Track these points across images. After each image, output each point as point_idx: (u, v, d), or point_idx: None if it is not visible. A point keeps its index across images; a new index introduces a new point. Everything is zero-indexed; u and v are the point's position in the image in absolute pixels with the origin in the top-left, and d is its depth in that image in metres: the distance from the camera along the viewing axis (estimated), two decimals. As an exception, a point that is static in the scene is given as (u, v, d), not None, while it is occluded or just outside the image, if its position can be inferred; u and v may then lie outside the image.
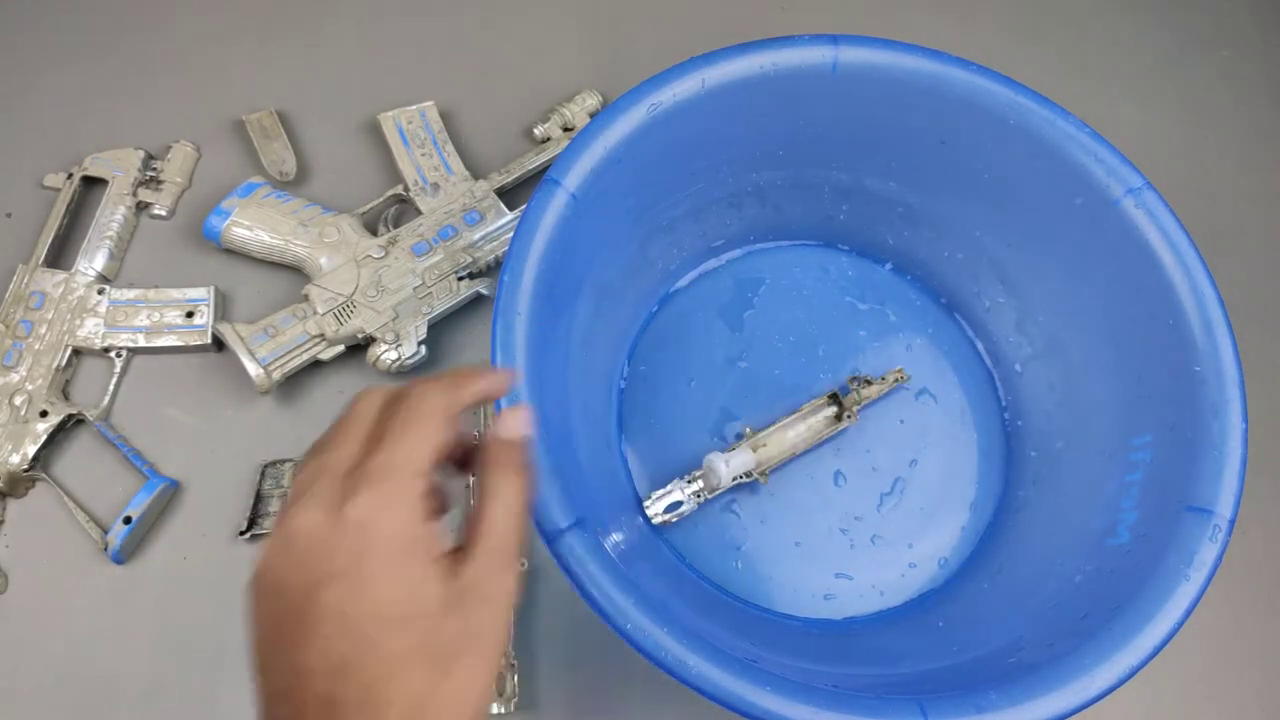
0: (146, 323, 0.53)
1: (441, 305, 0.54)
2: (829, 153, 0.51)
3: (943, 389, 0.55)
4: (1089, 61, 0.67)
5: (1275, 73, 0.67)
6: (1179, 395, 0.43)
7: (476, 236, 0.55)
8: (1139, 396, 0.46)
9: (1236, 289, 0.48)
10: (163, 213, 0.57)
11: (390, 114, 0.58)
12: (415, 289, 0.53)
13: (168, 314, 0.53)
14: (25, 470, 0.50)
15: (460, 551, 0.29)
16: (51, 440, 0.51)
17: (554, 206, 0.42)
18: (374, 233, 0.56)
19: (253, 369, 0.50)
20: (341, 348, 0.53)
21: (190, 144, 0.59)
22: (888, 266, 0.57)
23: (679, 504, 0.49)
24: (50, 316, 0.53)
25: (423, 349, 0.53)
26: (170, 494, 0.51)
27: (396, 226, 0.56)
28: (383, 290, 0.53)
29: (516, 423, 0.33)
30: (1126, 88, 0.66)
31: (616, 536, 0.45)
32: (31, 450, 0.50)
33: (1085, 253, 0.48)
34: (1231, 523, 0.40)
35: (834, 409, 0.52)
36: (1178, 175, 0.53)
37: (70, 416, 0.51)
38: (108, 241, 0.55)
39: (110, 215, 0.56)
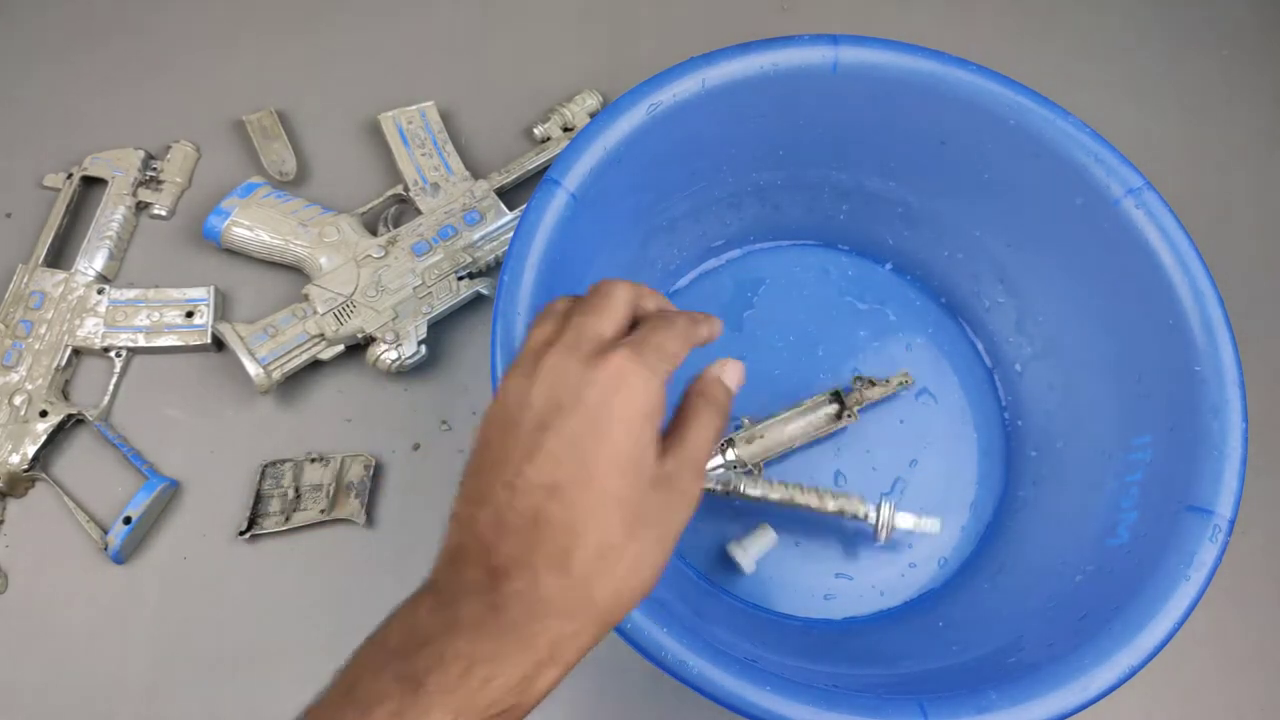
0: (146, 323, 0.53)
1: (441, 305, 0.54)
2: (829, 153, 0.51)
3: (943, 389, 0.55)
4: (1089, 61, 0.67)
5: (1275, 73, 0.67)
6: (1179, 395, 0.43)
7: (476, 236, 0.55)
8: (1139, 396, 0.46)
9: (1236, 289, 0.48)
10: (163, 213, 0.57)
11: (390, 114, 0.58)
12: (415, 289, 0.53)
13: (167, 314, 0.53)
14: (25, 470, 0.50)
15: (665, 442, 0.31)
16: (51, 440, 0.51)
17: (554, 207, 0.42)
18: (374, 233, 0.56)
19: (253, 369, 0.50)
20: (341, 347, 0.52)
21: (190, 144, 0.59)
22: (888, 266, 0.57)
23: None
24: (50, 316, 0.53)
25: (423, 349, 0.53)
26: (170, 494, 0.51)
27: (396, 226, 0.57)
28: (383, 290, 0.53)
29: (736, 375, 0.35)
30: (1126, 88, 0.66)
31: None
32: (31, 450, 0.50)
33: (1085, 253, 0.48)
34: (1231, 523, 0.40)
35: (835, 407, 0.52)
36: (1178, 175, 0.53)
37: (70, 416, 0.51)
38: (107, 241, 0.55)
39: (110, 215, 0.56)
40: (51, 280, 0.54)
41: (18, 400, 0.50)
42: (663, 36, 0.65)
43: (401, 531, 0.52)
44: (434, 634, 0.27)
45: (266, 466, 0.51)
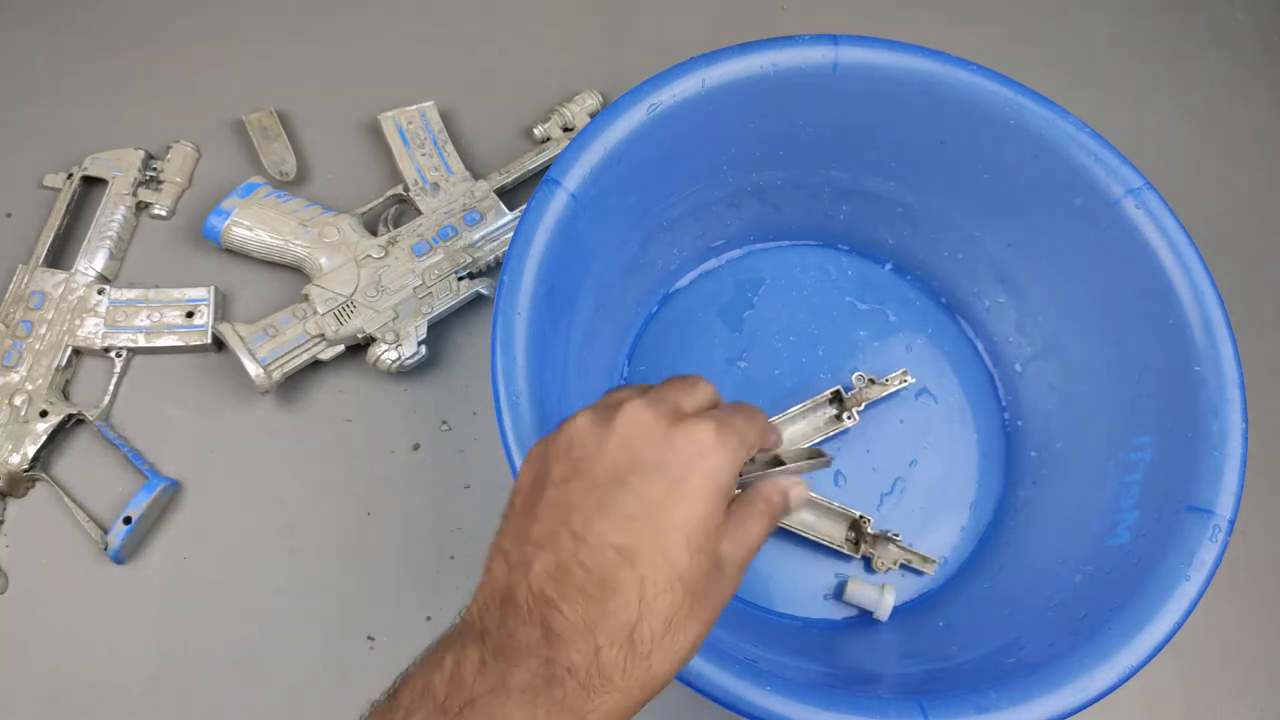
0: (146, 323, 0.53)
1: (442, 305, 0.53)
2: (829, 153, 0.51)
3: (943, 389, 0.55)
4: (1089, 61, 0.67)
5: (1275, 73, 0.67)
6: (1179, 395, 0.43)
7: (476, 236, 0.55)
8: (1139, 396, 0.46)
9: (1237, 289, 0.48)
10: (162, 213, 0.57)
11: (390, 114, 0.58)
12: (415, 289, 0.53)
13: (168, 314, 0.53)
14: (25, 470, 0.50)
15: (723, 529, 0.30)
16: (51, 440, 0.51)
17: (554, 207, 0.42)
18: (374, 233, 0.56)
19: (253, 369, 0.50)
20: (341, 348, 0.52)
21: (190, 144, 0.59)
22: (888, 266, 0.57)
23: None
24: (50, 316, 0.53)
25: (423, 349, 0.53)
26: (170, 494, 0.51)
27: (397, 226, 0.57)
28: (383, 290, 0.53)
29: (800, 497, 0.34)
30: (1126, 88, 0.66)
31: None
32: (31, 450, 0.50)
33: (1085, 253, 0.48)
34: (1231, 523, 0.40)
35: (836, 408, 0.52)
36: (1178, 175, 0.53)
37: (70, 416, 0.51)
38: (108, 241, 0.55)
39: (110, 215, 0.56)
40: (52, 280, 0.54)
41: (18, 400, 0.50)
42: (662, 36, 0.65)
43: (401, 531, 0.52)
44: (481, 694, 0.26)
45: None
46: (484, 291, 0.55)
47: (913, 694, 0.37)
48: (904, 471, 0.53)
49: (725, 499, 0.29)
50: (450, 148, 0.58)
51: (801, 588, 0.50)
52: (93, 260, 0.55)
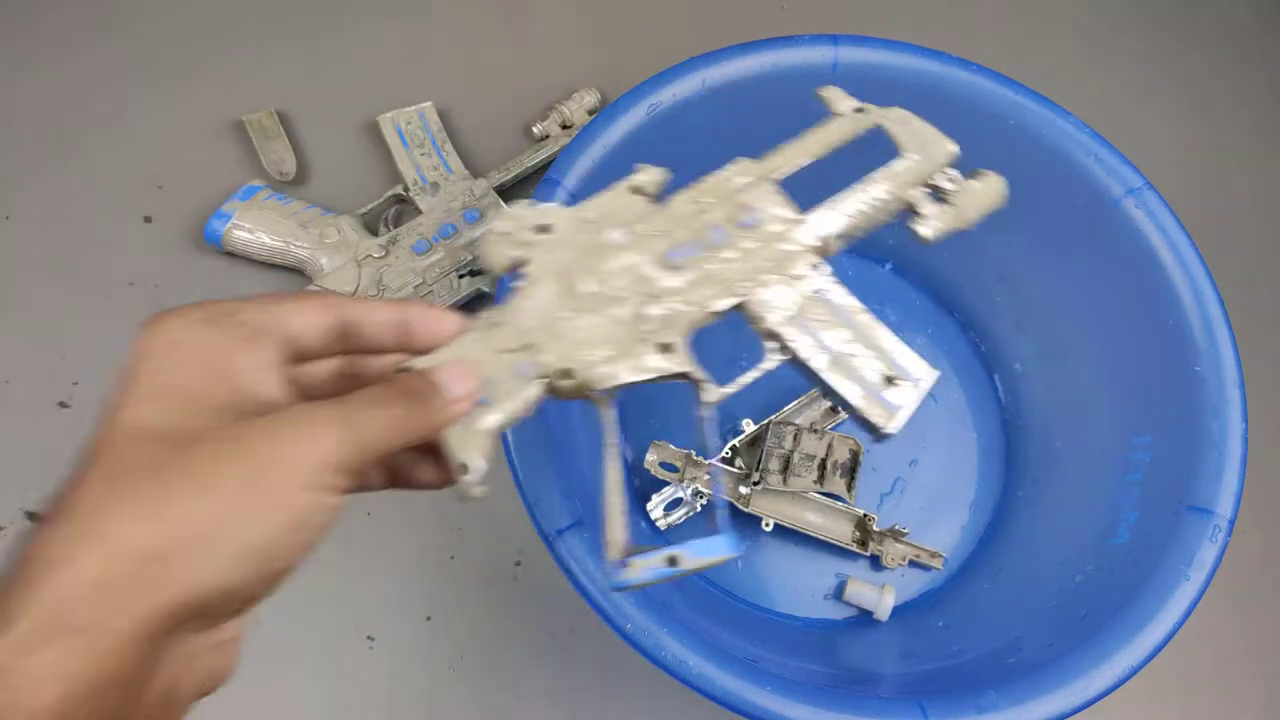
0: None
1: (443, 302, 0.54)
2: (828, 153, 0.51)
3: (943, 389, 0.55)
4: (1089, 61, 0.67)
5: (1275, 73, 0.67)
6: (1179, 395, 0.43)
7: (477, 234, 0.56)
8: (1139, 396, 0.46)
9: (1236, 289, 0.48)
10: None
11: (389, 115, 0.59)
12: (416, 287, 0.54)
13: None
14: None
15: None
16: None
17: (554, 206, 0.42)
18: (374, 233, 0.56)
19: None
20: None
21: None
22: (888, 266, 0.57)
23: (679, 502, 0.49)
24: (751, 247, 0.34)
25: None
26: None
27: (397, 226, 0.57)
28: (384, 289, 0.53)
29: (466, 381, 0.27)
30: (1126, 88, 0.66)
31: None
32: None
33: (1085, 253, 0.48)
34: (1231, 522, 0.40)
35: (831, 401, 0.52)
36: (1178, 175, 0.53)
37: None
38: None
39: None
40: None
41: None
42: (663, 36, 0.65)
43: (401, 531, 0.52)
44: None
45: (772, 424, 0.50)
46: (485, 289, 0.55)
47: (913, 693, 0.37)
48: (904, 471, 0.53)
49: (213, 362, 0.24)
50: (449, 147, 0.58)
51: (802, 588, 0.50)
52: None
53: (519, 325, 0.30)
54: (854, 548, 0.50)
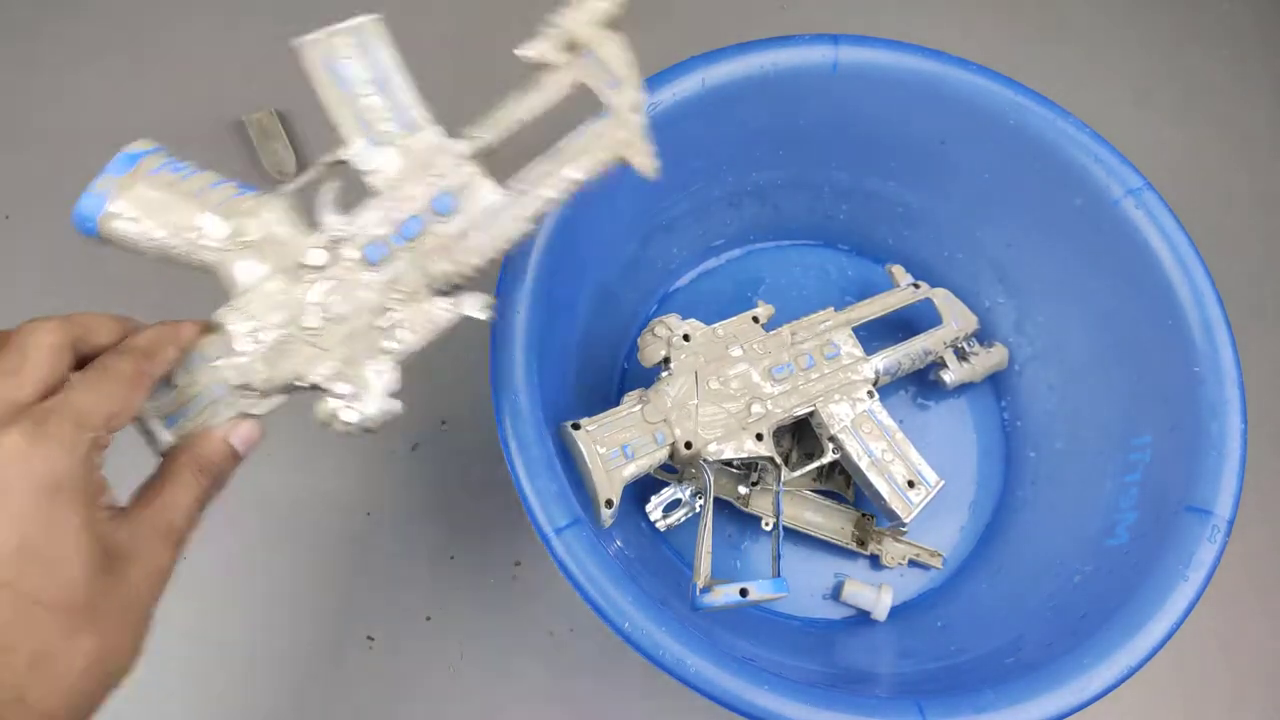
0: None
1: (415, 338, 0.36)
2: (829, 152, 0.51)
3: (943, 389, 0.55)
4: (1089, 61, 0.67)
5: (1275, 73, 0.67)
6: (1179, 395, 0.43)
7: (454, 230, 0.36)
8: (1139, 396, 0.46)
9: (1236, 289, 0.48)
10: None
11: (312, 39, 0.38)
12: (373, 312, 0.36)
13: None
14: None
15: (124, 513, 0.28)
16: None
17: (553, 206, 0.42)
18: (314, 224, 0.37)
19: (162, 439, 0.33)
20: (279, 399, 0.35)
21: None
22: (887, 266, 0.57)
23: (678, 503, 0.49)
24: (829, 372, 0.47)
25: (397, 403, 0.35)
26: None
27: (345, 214, 0.36)
28: (330, 318, 0.35)
29: (246, 435, 0.33)
30: (1126, 88, 0.66)
31: (618, 541, 0.45)
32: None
33: (1085, 253, 0.48)
34: (1231, 523, 0.40)
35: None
36: (1178, 175, 0.53)
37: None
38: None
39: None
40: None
41: None
42: (663, 36, 0.65)
43: (401, 531, 0.52)
44: None
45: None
46: (478, 315, 0.37)
47: (910, 693, 0.37)
48: (903, 471, 0.53)
49: (76, 496, 0.26)
50: (407, 85, 0.38)
51: (800, 588, 0.50)
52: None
53: (661, 405, 0.43)
54: (853, 547, 0.50)
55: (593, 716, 0.49)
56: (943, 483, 0.47)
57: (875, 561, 0.51)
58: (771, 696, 0.35)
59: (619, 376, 0.54)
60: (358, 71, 0.38)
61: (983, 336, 0.55)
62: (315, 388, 0.35)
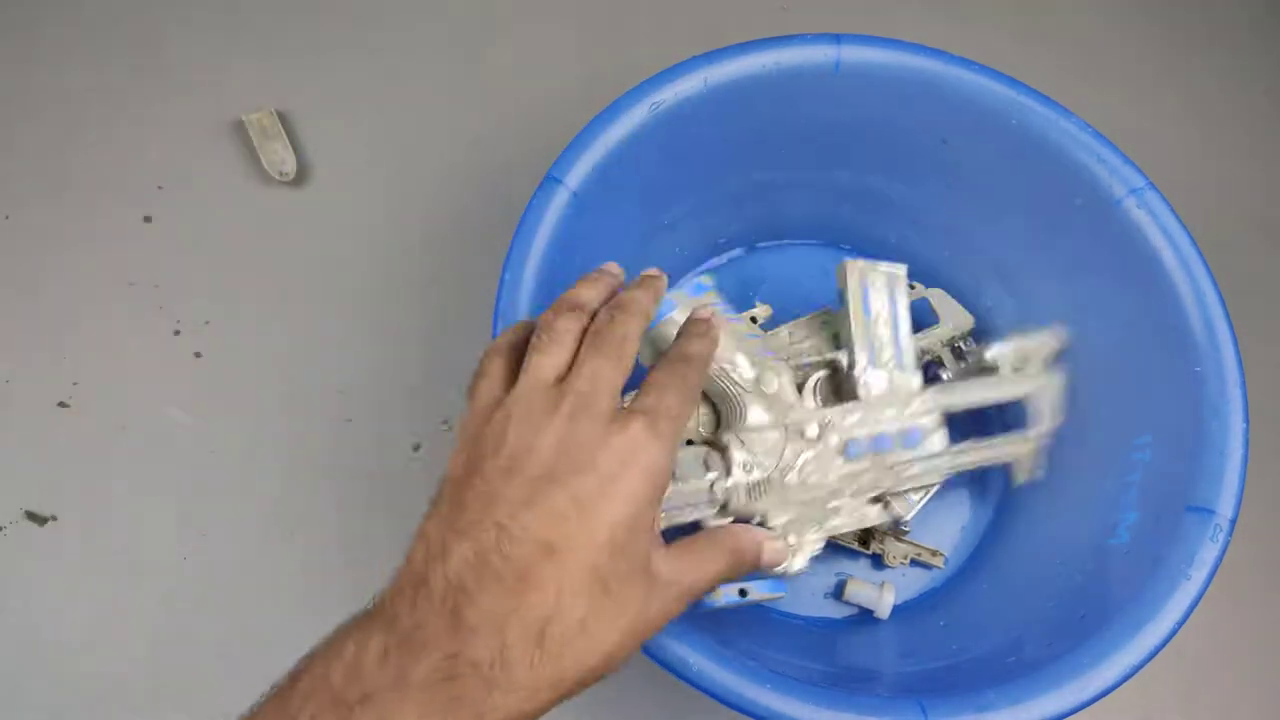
0: None
1: (846, 525, 0.42)
2: (831, 152, 0.51)
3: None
4: (1089, 61, 0.67)
5: (1275, 73, 0.67)
6: (1179, 395, 0.43)
7: (906, 458, 0.43)
8: (1139, 396, 0.46)
9: (1238, 289, 0.48)
10: None
11: (853, 261, 0.45)
12: (830, 494, 0.41)
13: None
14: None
15: (667, 547, 0.31)
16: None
17: (555, 205, 0.42)
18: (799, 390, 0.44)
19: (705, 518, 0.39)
20: (727, 520, 0.40)
21: None
22: (888, 266, 0.57)
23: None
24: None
25: (809, 565, 0.41)
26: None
27: (823, 400, 0.44)
28: (803, 481, 0.41)
29: (773, 556, 0.36)
30: (1126, 88, 0.66)
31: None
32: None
33: (1086, 253, 0.48)
34: (1232, 523, 0.40)
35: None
36: (1178, 175, 0.53)
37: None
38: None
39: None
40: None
41: None
42: (663, 36, 0.65)
43: (401, 530, 0.51)
44: (380, 688, 0.25)
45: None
46: (905, 527, 0.48)
47: (912, 693, 0.37)
48: (904, 471, 0.53)
49: (659, 493, 0.29)
50: (908, 332, 0.45)
51: (802, 586, 0.50)
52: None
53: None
54: (855, 545, 0.50)
55: (593, 716, 0.49)
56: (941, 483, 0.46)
57: (877, 561, 0.51)
58: (774, 696, 0.35)
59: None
60: (879, 304, 0.45)
61: (980, 335, 0.55)
62: (763, 527, 0.40)
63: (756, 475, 0.39)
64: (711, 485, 0.38)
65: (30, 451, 0.52)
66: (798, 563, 0.40)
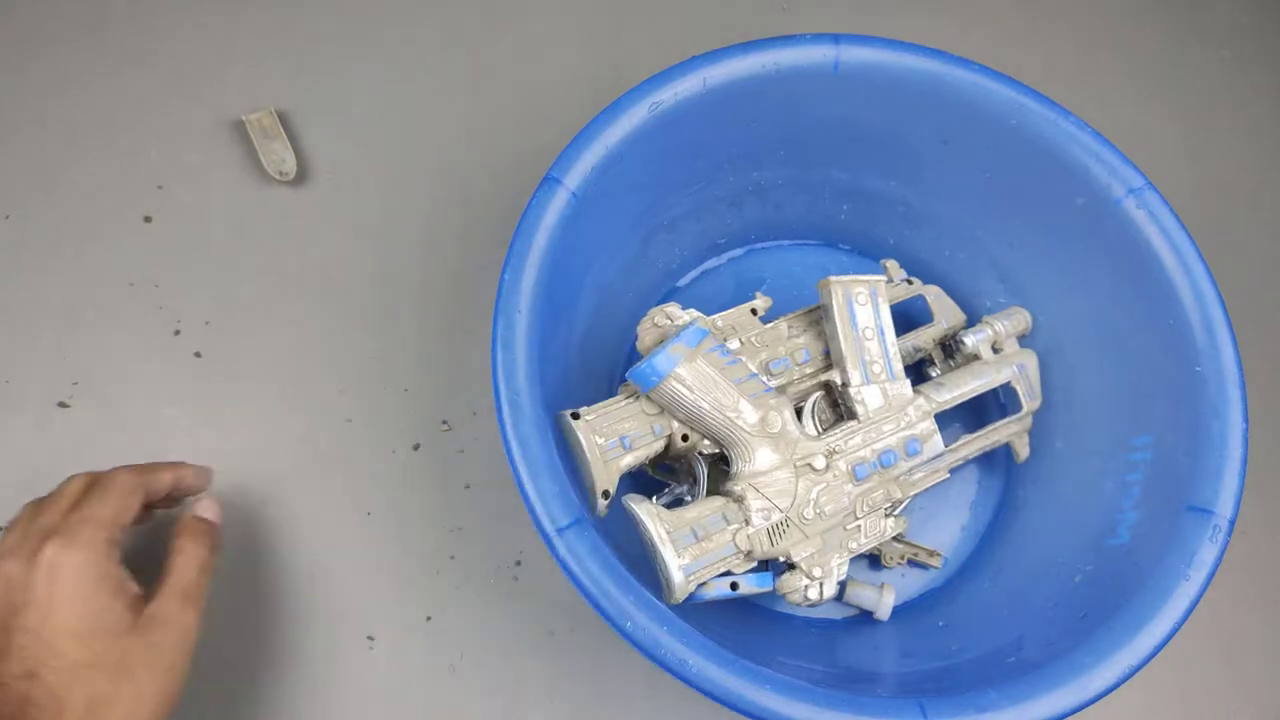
0: None
1: (868, 542, 0.44)
2: (830, 152, 0.51)
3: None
4: (1089, 61, 0.67)
5: (1275, 73, 0.67)
6: (1179, 395, 0.43)
7: (908, 467, 0.45)
8: (1139, 396, 0.46)
9: (1237, 289, 0.48)
10: None
11: (837, 279, 0.45)
12: (848, 517, 0.43)
13: None
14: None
15: (152, 590, 0.39)
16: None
17: (554, 205, 0.42)
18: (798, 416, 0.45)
19: (677, 577, 0.39)
20: (753, 564, 0.42)
21: None
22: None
23: (679, 502, 0.49)
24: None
25: (839, 589, 0.43)
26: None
27: (823, 424, 0.46)
28: (819, 513, 0.42)
29: (212, 509, 0.45)
30: (1126, 88, 0.66)
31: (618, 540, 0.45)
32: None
33: (1086, 253, 0.48)
34: (1232, 523, 0.40)
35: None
36: (1178, 175, 0.53)
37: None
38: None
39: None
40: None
41: None
42: (663, 36, 0.65)
43: (401, 531, 0.52)
44: None
45: None
46: (928, 562, 0.50)
47: (912, 693, 0.37)
48: (904, 471, 0.53)
49: (106, 583, 0.37)
50: (894, 341, 0.46)
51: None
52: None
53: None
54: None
55: (593, 716, 0.49)
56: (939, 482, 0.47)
57: (875, 561, 0.51)
58: (774, 696, 0.35)
59: (620, 376, 0.54)
60: (865, 318, 0.45)
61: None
62: (791, 566, 0.42)
63: (776, 518, 0.41)
64: (734, 537, 0.40)
65: (30, 451, 0.52)
66: (827, 590, 0.42)
